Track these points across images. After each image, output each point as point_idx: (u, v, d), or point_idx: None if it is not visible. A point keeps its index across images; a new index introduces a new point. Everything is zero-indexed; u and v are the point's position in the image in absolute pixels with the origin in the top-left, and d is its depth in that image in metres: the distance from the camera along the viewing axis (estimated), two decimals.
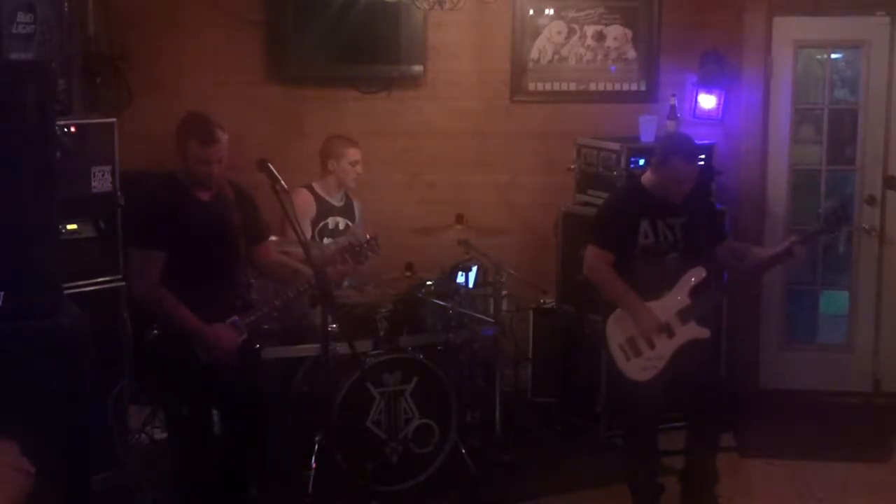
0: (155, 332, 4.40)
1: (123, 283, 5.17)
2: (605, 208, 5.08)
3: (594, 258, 4.81)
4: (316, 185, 5.80)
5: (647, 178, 4.88)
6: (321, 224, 5.75)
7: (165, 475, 4.94)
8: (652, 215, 4.75)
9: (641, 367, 4.72)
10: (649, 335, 4.70)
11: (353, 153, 5.80)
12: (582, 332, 6.05)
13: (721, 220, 5.25)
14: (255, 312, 4.49)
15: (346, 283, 5.48)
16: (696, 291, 4.75)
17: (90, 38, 6.20)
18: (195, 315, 4.34)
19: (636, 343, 4.72)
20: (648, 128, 6.09)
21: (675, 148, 4.81)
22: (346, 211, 5.87)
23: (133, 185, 5.33)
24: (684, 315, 4.72)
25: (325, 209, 5.78)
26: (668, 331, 4.72)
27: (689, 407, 4.92)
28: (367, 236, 4.78)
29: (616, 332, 4.75)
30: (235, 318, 4.41)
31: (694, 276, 4.74)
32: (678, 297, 4.74)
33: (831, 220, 4.83)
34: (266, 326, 4.95)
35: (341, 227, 5.83)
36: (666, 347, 4.72)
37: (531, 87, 6.63)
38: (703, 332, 4.78)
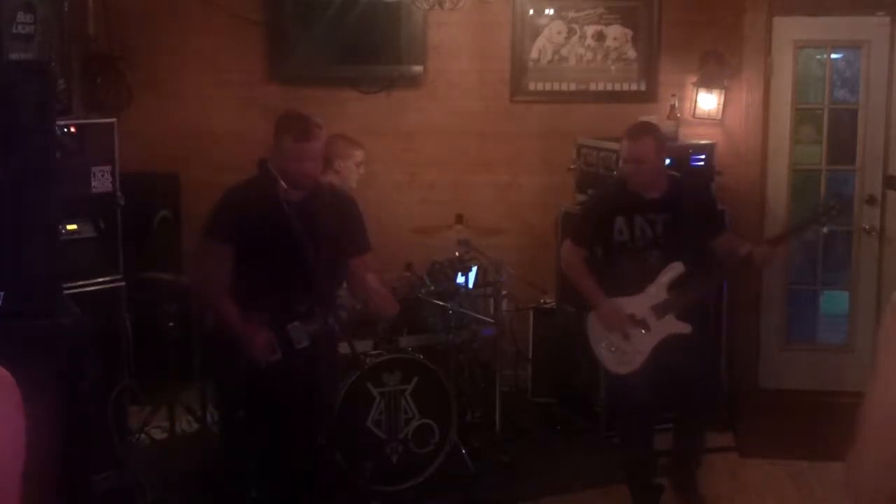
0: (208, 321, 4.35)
1: (123, 283, 5.18)
2: (584, 206, 5.28)
3: (566, 253, 5.00)
4: None
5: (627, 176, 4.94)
6: None
7: (166, 476, 4.95)
8: (629, 212, 4.79)
9: (619, 360, 4.83)
10: (614, 329, 4.80)
11: (360, 154, 5.80)
12: (582, 332, 6.03)
13: (715, 214, 5.25)
14: (319, 321, 4.31)
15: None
16: (673, 286, 4.78)
17: (90, 38, 6.21)
18: (255, 315, 4.20)
19: (612, 337, 4.83)
20: None
21: (626, 133, 4.90)
22: None
23: (133, 185, 5.34)
24: (659, 310, 4.77)
25: None
26: (643, 325, 4.79)
27: (677, 401, 4.98)
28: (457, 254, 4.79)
29: (596, 326, 4.88)
30: (297, 323, 4.26)
31: (671, 272, 4.77)
32: (654, 292, 4.79)
33: (821, 211, 4.97)
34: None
35: None
36: (643, 342, 4.78)
37: (531, 87, 6.63)
38: (683, 327, 4.80)
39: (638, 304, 4.80)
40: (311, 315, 4.32)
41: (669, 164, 5.93)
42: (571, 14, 6.58)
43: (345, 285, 4.65)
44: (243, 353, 4.19)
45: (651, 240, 4.80)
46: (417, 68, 6.49)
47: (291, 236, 4.22)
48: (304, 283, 4.29)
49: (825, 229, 5.18)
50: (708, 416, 5.20)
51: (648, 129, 5.03)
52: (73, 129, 5.00)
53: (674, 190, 4.87)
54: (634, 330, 4.79)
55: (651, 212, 4.80)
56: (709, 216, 5.05)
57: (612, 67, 6.63)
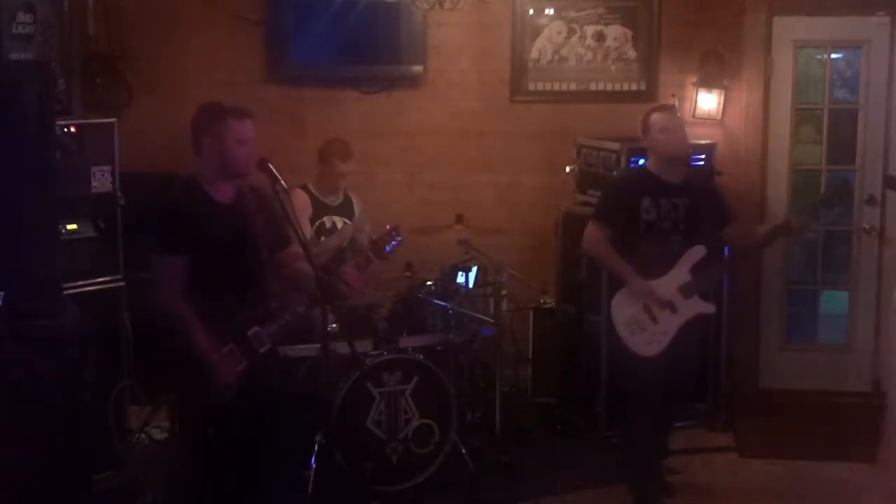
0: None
1: (123, 283, 5.18)
2: (607, 187, 5.34)
3: (591, 233, 5.02)
4: (311, 185, 5.80)
5: (649, 161, 5.06)
6: (317, 223, 5.75)
7: (166, 476, 4.95)
8: (654, 193, 4.91)
9: (646, 342, 4.87)
10: (647, 302, 4.86)
11: (339, 165, 5.74)
12: (582, 332, 6.05)
13: (724, 203, 5.28)
14: (277, 322, 4.25)
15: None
16: (696, 268, 4.90)
17: (90, 38, 6.20)
18: (213, 324, 4.10)
19: (639, 318, 4.88)
20: None
21: (651, 110, 5.09)
22: (344, 209, 5.87)
23: (133, 185, 5.34)
24: (686, 290, 4.88)
25: (320, 208, 5.78)
26: (670, 306, 4.87)
27: (677, 387, 5.02)
28: (388, 226, 4.56)
29: (620, 308, 4.92)
30: (256, 328, 4.20)
31: (693, 254, 4.89)
32: (679, 273, 4.90)
33: (833, 195, 5.18)
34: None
35: (339, 225, 5.83)
36: (670, 323, 4.87)
37: (531, 87, 6.63)
38: (709, 308, 4.96)
39: (665, 286, 4.88)
40: (269, 317, 4.25)
41: None
42: (571, 14, 6.58)
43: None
44: (210, 371, 4.10)
45: (674, 222, 4.91)
46: (417, 68, 6.49)
47: (234, 239, 4.17)
48: (255, 286, 4.24)
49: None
50: (689, 397, 5.44)
51: (673, 108, 5.28)
52: (73, 129, 5.00)
53: (690, 178, 5.05)
54: (662, 311, 4.87)
55: (674, 196, 4.92)
56: (720, 206, 5.16)
57: (612, 67, 6.64)
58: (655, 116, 5.01)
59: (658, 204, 4.89)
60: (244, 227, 4.21)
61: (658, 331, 4.87)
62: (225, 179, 4.21)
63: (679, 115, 5.18)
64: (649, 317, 4.88)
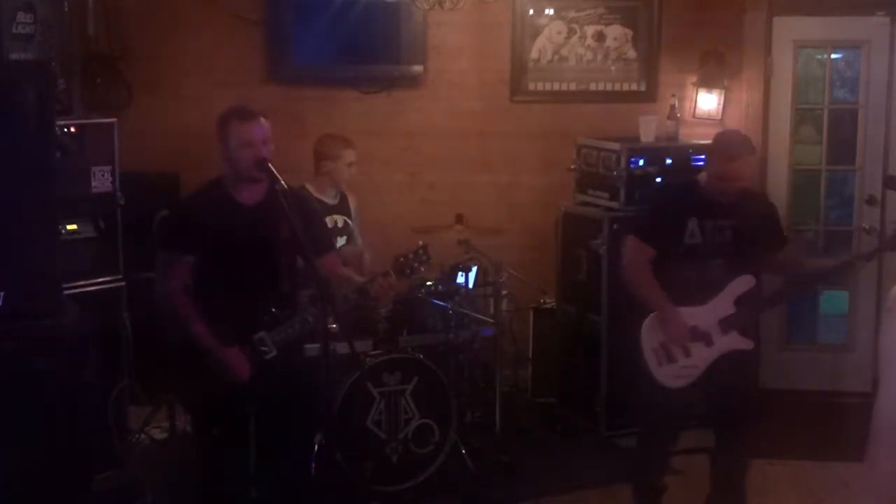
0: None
1: (123, 283, 5.18)
2: (653, 203, 4.91)
3: (633, 251, 4.63)
4: (309, 185, 5.79)
5: (702, 176, 4.69)
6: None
7: (166, 476, 4.95)
8: (701, 215, 4.54)
9: (674, 374, 4.52)
10: (678, 342, 4.50)
11: (349, 154, 5.75)
12: (582, 332, 6.05)
13: (778, 223, 4.83)
14: (284, 329, 4.20)
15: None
16: (741, 300, 4.53)
17: (90, 38, 6.20)
18: (219, 327, 4.10)
19: (670, 349, 4.52)
20: (648, 128, 6.09)
21: (715, 145, 4.67)
22: (342, 208, 5.85)
23: (133, 185, 5.34)
24: (726, 324, 4.52)
25: (323, 209, 5.77)
26: (706, 339, 4.53)
27: (723, 420, 4.72)
28: (420, 243, 4.45)
29: (650, 335, 4.53)
30: (262, 333, 4.16)
31: (741, 285, 4.52)
32: (722, 304, 4.52)
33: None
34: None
35: (339, 224, 5.82)
36: (703, 357, 4.52)
37: (531, 87, 6.64)
38: (747, 343, 4.56)
39: (704, 316, 4.52)
40: (277, 323, 4.22)
41: (669, 165, 5.97)
42: (571, 14, 6.59)
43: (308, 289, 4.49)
44: (212, 370, 4.10)
45: (717, 247, 4.54)
46: (417, 68, 6.49)
47: (250, 242, 4.14)
48: (268, 291, 4.20)
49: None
50: (752, 433, 4.79)
51: (749, 145, 4.65)
52: (73, 129, 5.00)
53: (743, 197, 4.57)
54: (696, 343, 4.52)
55: (720, 217, 4.54)
56: (772, 226, 4.75)
57: (612, 67, 6.64)
58: (728, 145, 4.56)
59: (703, 227, 4.51)
60: (265, 229, 4.15)
61: (689, 364, 4.49)
62: (241, 182, 4.21)
63: (753, 147, 4.65)
64: (682, 348, 4.50)
